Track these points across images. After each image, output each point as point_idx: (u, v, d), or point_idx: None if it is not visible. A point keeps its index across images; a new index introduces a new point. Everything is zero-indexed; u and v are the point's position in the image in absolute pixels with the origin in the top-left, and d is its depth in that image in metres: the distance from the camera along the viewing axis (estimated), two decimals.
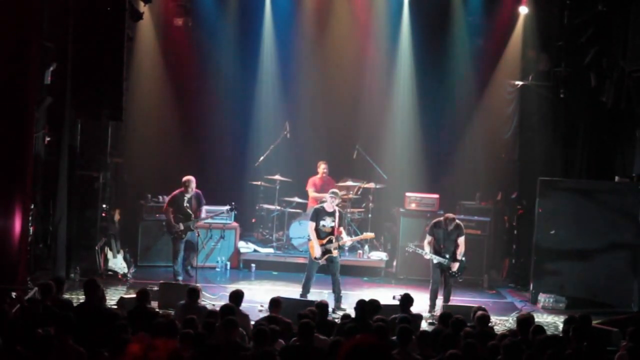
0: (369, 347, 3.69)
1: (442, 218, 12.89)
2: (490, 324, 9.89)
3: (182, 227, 13.55)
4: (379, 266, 15.62)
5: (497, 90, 16.67)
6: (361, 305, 9.78)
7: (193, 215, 13.65)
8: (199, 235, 13.85)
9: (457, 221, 12.87)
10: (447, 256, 12.61)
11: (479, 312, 9.62)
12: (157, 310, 10.49)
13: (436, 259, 12.60)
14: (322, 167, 15.97)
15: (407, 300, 10.32)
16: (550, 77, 15.57)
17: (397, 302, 10.87)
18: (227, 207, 14.37)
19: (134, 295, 11.93)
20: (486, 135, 16.92)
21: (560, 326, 11.85)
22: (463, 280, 13.14)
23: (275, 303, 9.84)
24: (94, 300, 9.31)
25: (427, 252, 12.68)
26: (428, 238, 12.79)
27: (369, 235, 14.12)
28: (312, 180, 15.99)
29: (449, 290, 12.70)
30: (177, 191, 13.75)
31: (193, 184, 13.68)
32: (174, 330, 7.88)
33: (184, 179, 13.71)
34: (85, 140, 14.05)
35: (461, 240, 12.71)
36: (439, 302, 12.57)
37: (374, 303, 9.92)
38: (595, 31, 14.14)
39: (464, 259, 12.74)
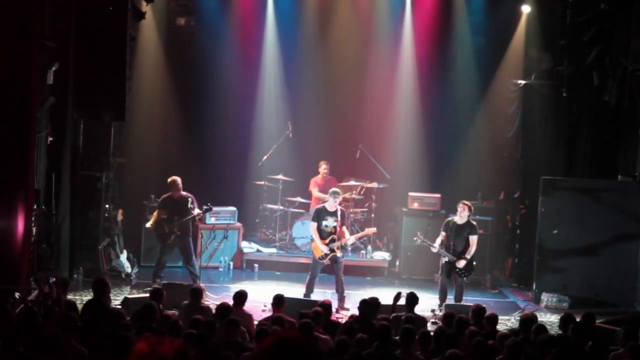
0: (292, 342, 3.50)
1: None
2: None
3: (166, 229, 13.07)
4: (382, 266, 15.60)
5: (500, 89, 16.64)
6: (363, 305, 9.77)
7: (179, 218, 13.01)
8: (178, 235, 13.02)
9: (472, 220, 12.72)
10: (455, 253, 12.52)
11: (488, 313, 9.61)
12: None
13: (445, 255, 12.52)
14: (322, 167, 15.95)
15: (412, 299, 10.29)
16: (553, 76, 15.57)
17: (400, 302, 10.82)
18: (204, 207, 13.44)
19: (138, 295, 11.97)
20: (488, 134, 16.89)
21: None
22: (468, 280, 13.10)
23: (278, 300, 9.84)
24: (102, 299, 9.31)
25: (435, 245, 12.59)
26: (442, 234, 12.70)
27: (371, 230, 14.07)
28: (314, 180, 15.98)
29: (460, 291, 12.62)
30: (166, 195, 13.31)
31: (175, 186, 13.05)
32: (178, 330, 7.89)
33: (168, 180, 13.25)
34: (88, 141, 14.05)
35: (473, 239, 12.52)
36: (449, 301, 12.45)
37: (374, 301, 9.90)
38: (597, 30, 14.13)
39: (474, 263, 12.67)
